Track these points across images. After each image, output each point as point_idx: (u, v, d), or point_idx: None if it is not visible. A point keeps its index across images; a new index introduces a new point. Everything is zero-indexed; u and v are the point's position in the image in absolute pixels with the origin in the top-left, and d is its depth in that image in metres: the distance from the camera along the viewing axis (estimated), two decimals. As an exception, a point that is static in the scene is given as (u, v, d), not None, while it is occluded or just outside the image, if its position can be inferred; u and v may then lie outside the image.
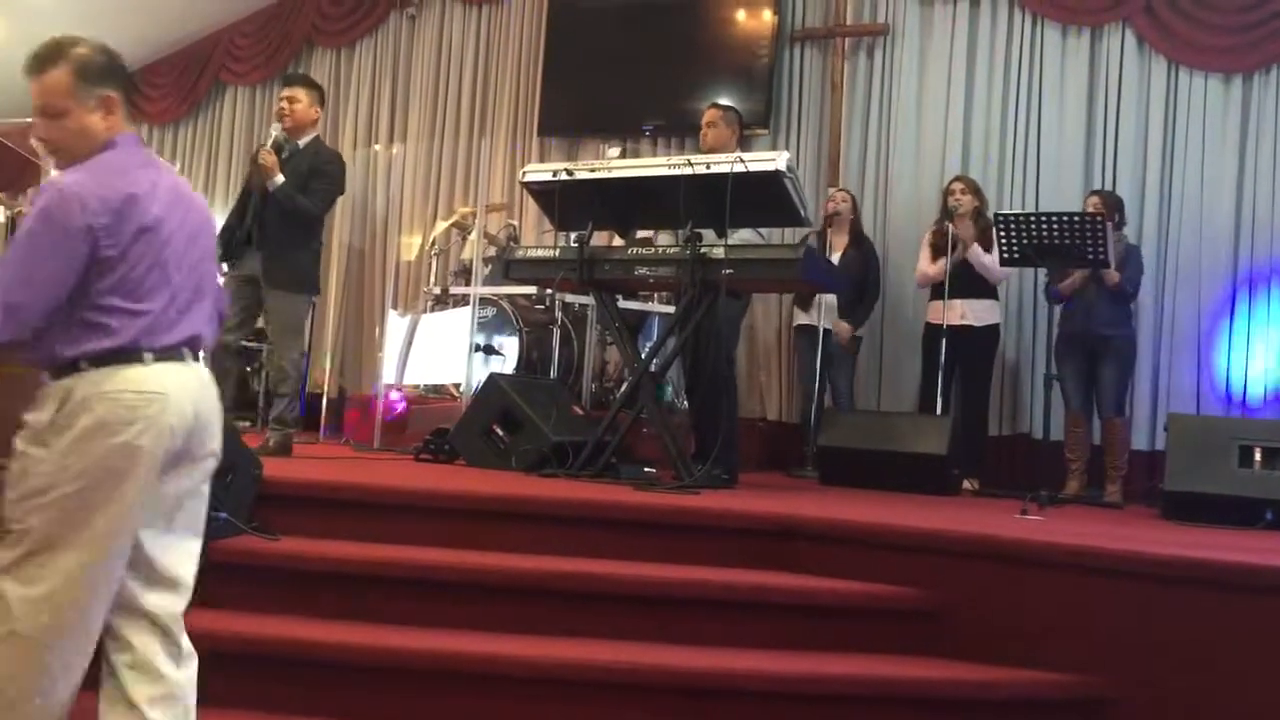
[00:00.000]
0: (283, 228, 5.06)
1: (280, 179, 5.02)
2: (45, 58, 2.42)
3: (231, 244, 5.12)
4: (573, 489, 4.22)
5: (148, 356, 2.37)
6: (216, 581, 2.89)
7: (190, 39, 9.62)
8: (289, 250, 5.07)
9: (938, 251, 6.24)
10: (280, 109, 5.22)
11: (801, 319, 6.72)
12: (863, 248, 6.66)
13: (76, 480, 2.27)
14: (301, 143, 5.20)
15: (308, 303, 5.46)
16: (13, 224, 8.11)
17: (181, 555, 2.48)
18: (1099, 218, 5.39)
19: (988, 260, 6.06)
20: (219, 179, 9.51)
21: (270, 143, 5.14)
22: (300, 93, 5.22)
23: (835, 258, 6.52)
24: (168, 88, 9.75)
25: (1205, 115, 6.56)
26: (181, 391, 2.39)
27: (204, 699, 2.49)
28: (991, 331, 6.25)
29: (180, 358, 2.43)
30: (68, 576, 2.27)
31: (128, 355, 2.35)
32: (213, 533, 3.50)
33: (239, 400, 6.98)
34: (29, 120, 5.10)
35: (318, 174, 5.13)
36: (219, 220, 5.47)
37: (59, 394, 2.33)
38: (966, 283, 6.10)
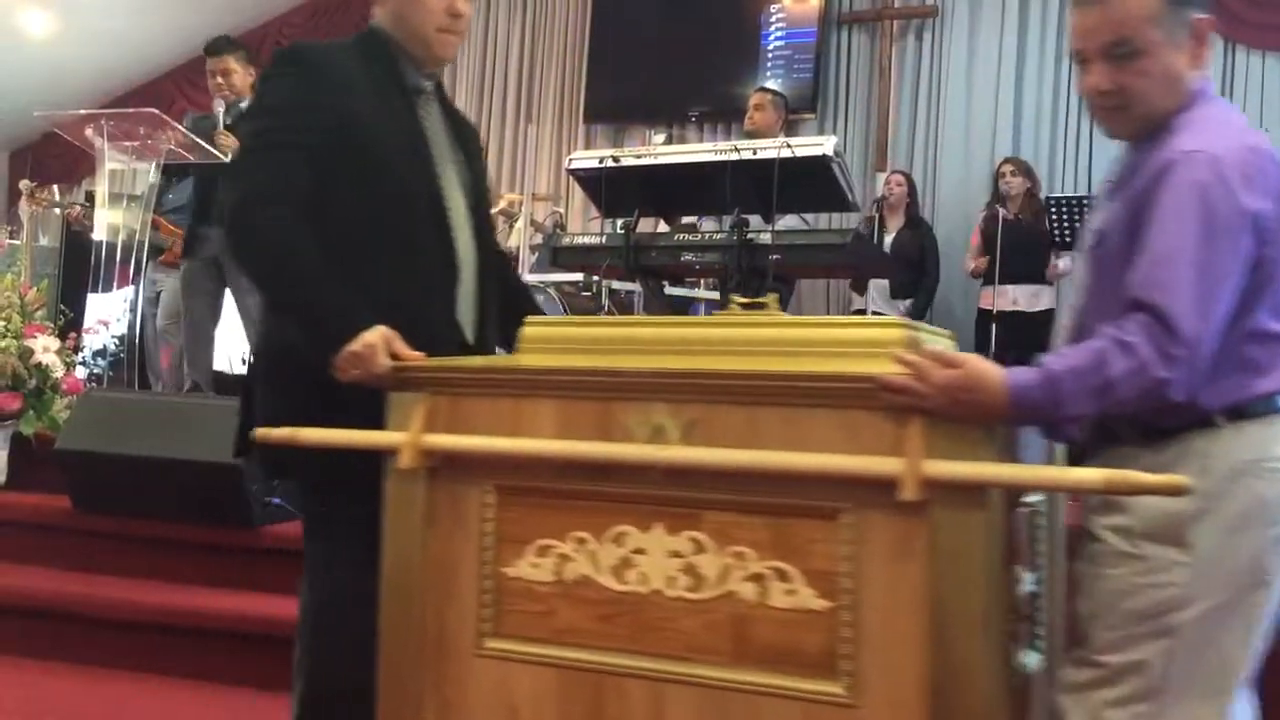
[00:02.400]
0: None
1: None
2: None
3: (195, 239, 4.69)
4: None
5: None
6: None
7: (241, 30, 9.70)
8: None
9: (987, 239, 6.17)
10: (217, 84, 4.72)
11: (856, 304, 6.67)
12: (918, 230, 6.57)
13: (1219, 592, 1.57)
14: (244, 106, 4.58)
15: None
16: (66, 225, 7.42)
17: None
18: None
19: (1063, 266, 6.03)
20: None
21: (224, 123, 4.61)
22: (231, 61, 4.71)
23: (888, 240, 6.47)
24: (218, 78, 9.86)
25: (1263, 94, 6.43)
26: None
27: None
28: (1044, 316, 6.16)
29: None
30: None
31: (1276, 403, 1.63)
32: (267, 517, 3.57)
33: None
34: (83, 112, 5.13)
35: None
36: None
37: (1193, 464, 1.58)
38: (1016, 268, 6.01)
